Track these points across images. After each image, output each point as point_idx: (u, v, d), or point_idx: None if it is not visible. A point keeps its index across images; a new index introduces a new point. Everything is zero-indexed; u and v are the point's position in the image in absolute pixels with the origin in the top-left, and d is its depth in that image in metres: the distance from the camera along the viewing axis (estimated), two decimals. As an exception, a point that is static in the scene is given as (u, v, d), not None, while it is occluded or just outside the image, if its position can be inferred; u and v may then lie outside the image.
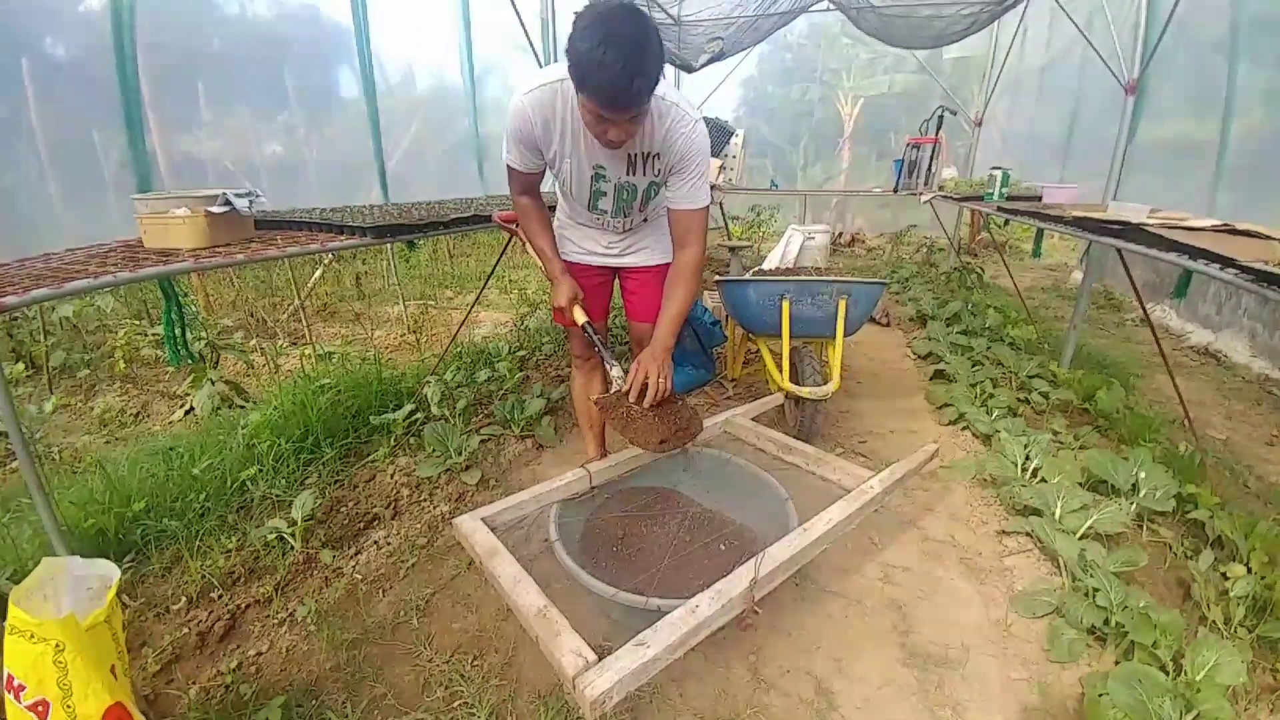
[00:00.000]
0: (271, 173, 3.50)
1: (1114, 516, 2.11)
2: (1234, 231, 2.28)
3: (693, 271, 1.86)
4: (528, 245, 2.07)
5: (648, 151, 1.75)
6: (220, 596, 1.94)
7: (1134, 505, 2.24)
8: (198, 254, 1.86)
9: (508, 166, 1.83)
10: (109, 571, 1.32)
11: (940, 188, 4.99)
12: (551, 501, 1.90)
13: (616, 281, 2.21)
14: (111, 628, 1.25)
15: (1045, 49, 6.01)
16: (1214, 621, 1.79)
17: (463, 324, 3.89)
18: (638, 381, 1.78)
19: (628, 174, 1.81)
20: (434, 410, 2.90)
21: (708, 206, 1.84)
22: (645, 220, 2.07)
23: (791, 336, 2.69)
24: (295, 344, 4.39)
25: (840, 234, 8.92)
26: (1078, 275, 6.24)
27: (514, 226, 2.20)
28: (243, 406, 3.11)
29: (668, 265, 2.14)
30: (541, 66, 4.40)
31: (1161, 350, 2.90)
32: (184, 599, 1.92)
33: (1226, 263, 1.76)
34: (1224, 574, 1.93)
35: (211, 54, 3.06)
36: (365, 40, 3.62)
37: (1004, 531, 2.26)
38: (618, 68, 1.36)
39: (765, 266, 4.87)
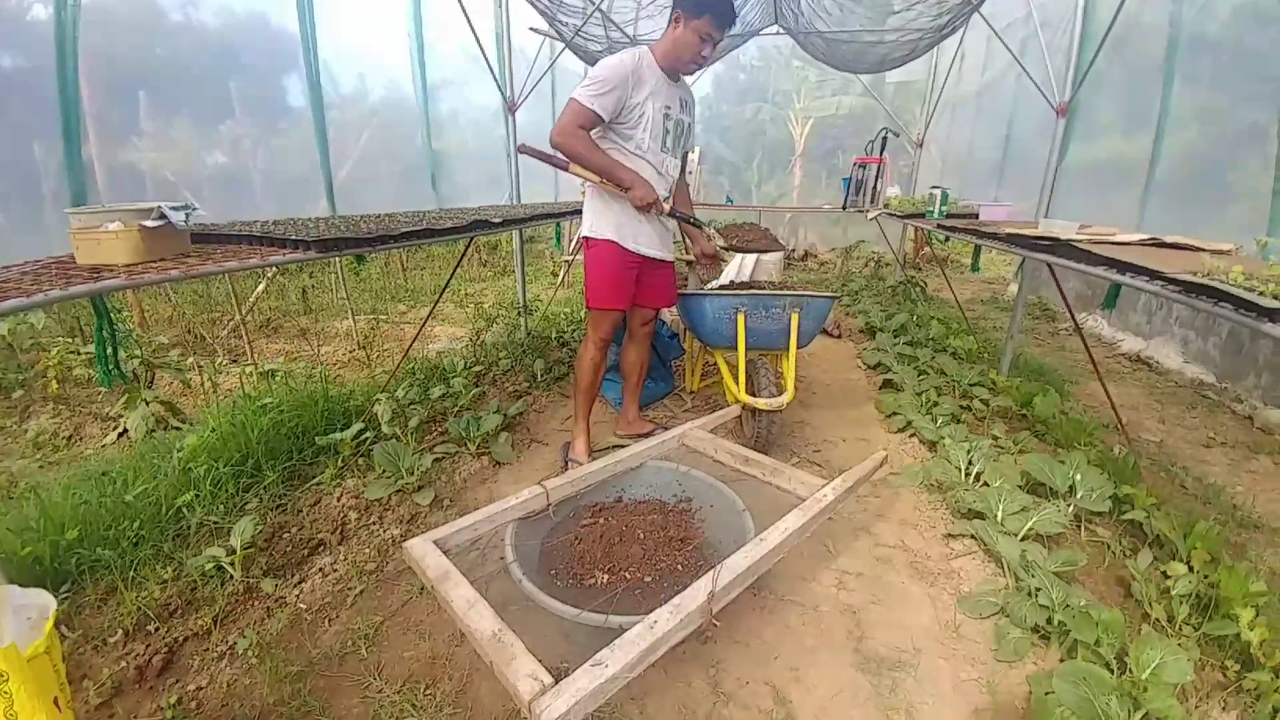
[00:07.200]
0: (215, 184, 3.38)
1: (1052, 518, 2.19)
2: (1161, 244, 2.42)
3: None
4: (583, 164, 2.38)
5: (684, 99, 2.54)
6: (157, 629, 1.83)
7: (1071, 506, 2.34)
8: (131, 270, 1.77)
9: (583, 108, 2.26)
10: (46, 601, 1.29)
11: (885, 205, 5.16)
12: (507, 521, 1.86)
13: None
14: (52, 659, 1.23)
15: (981, 74, 6.31)
16: (1157, 620, 1.84)
17: (415, 339, 3.81)
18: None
19: (680, 111, 2.51)
20: (384, 429, 2.81)
21: None
22: (679, 170, 2.73)
23: (747, 349, 2.73)
24: (236, 361, 4.22)
25: (794, 249, 9.14)
26: (1014, 288, 6.54)
27: (545, 152, 2.46)
28: (179, 428, 2.96)
29: None
30: (497, 80, 4.38)
31: (1092, 358, 3.05)
32: (120, 631, 1.81)
33: (1154, 275, 1.82)
34: (1164, 573, 1.99)
35: (156, 63, 2.96)
36: (313, 50, 3.55)
37: (950, 535, 2.32)
38: None
39: (721, 281, 4.93)
